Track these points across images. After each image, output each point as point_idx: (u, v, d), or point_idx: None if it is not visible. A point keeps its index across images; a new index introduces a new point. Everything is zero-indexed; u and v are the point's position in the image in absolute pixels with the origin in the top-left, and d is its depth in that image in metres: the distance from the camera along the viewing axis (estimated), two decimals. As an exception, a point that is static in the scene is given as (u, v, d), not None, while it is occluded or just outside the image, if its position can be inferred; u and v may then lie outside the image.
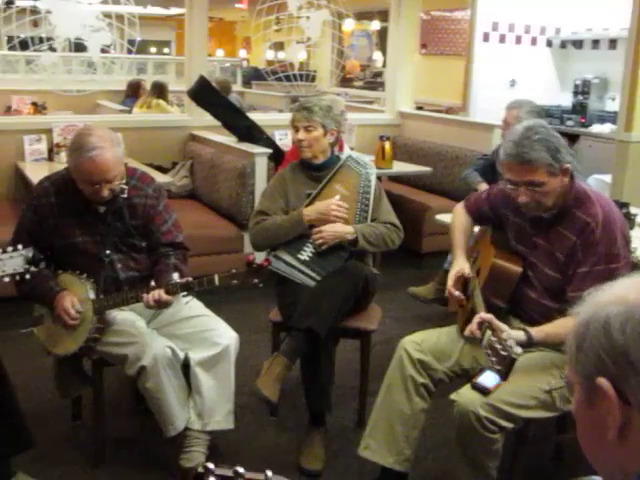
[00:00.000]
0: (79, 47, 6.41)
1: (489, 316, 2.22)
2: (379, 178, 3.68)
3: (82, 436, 3.01)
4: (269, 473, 0.93)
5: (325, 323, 2.83)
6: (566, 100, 7.68)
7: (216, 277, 2.56)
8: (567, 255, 2.35)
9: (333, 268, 3.05)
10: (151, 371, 2.58)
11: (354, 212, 3.15)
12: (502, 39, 7.69)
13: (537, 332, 2.21)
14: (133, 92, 8.40)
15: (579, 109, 7.39)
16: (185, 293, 2.63)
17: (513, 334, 2.13)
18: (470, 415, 2.20)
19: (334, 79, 10.58)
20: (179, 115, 6.80)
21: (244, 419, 3.08)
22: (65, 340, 2.71)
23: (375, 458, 2.56)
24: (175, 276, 2.60)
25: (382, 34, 10.52)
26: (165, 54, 16.79)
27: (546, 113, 4.51)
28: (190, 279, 2.60)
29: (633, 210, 3.44)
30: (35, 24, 6.16)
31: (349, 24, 9.33)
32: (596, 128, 6.95)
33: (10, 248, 2.38)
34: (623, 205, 3.30)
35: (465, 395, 2.26)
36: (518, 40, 7.77)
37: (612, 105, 7.11)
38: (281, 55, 9.57)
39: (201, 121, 5.68)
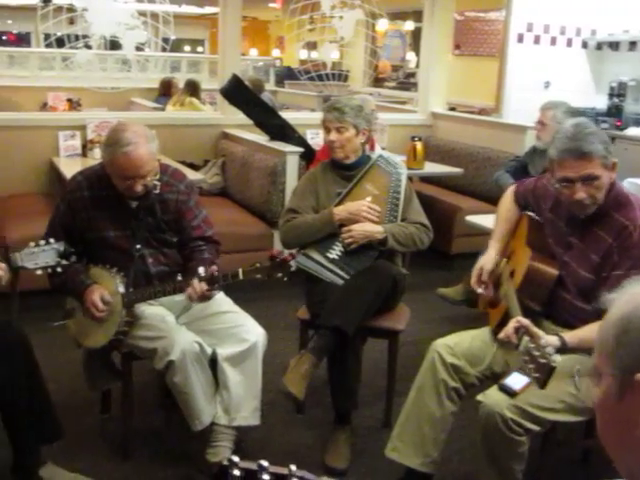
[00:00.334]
0: (114, 45, 6.48)
1: (526, 322, 2.19)
2: (410, 178, 3.67)
3: (110, 429, 3.05)
4: (293, 467, 0.94)
5: (353, 322, 2.83)
6: (601, 103, 7.58)
7: (240, 271, 2.58)
8: (602, 257, 2.33)
9: (362, 267, 3.05)
10: (179, 366, 2.60)
11: (384, 212, 3.14)
12: (537, 40, 7.60)
13: (571, 337, 2.19)
14: (165, 90, 8.50)
15: (614, 112, 7.29)
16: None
17: (548, 340, 2.11)
18: (496, 416, 2.18)
19: (367, 79, 10.57)
20: (212, 113, 6.85)
21: (270, 416, 3.09)
22: (95, 333, 2.74)
23: (402, 460, 2.55)
24: (201, 270, 2.62)
25: (416, 34, 10.49)
26: (199, 53, 16.90)
27: (580, 115, 4.45)
28: (215, 273, 2.62)
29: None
30: (71, 22, 6.24)
31: (383, 24, 9.31)
32: (632, 131, 6.85)
33: (43, 242, 2.42)
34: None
35: (491, 396, 2.25)
36: (553, 41, 7.69)
37: (648, 108, 7.03)
38: (314, 55, 9.58)
39: (233, 119, 5.71)
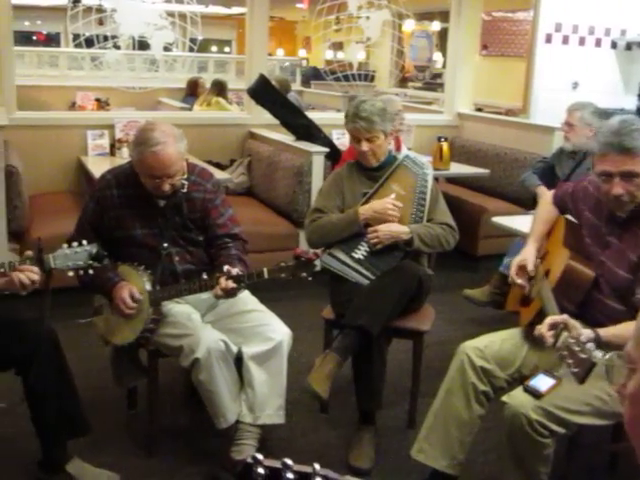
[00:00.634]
0: (142, 45, 6.54)
1: (564, 316, 2.18)
2: (436, 179, 3.66)
3: (136, 425, 3.08)
4: (317, 466, 0.94)
5: (378, 322, 2.83)
6: (630, 103, 7.49)
7: (265, 270, 2.59)
8: None
9: (387, 268, 3.04)
10: (204, 364, 2.61)
11: (410, 212, 3.14)
12: (565, 40, 7.53)
13: (605, 332, 2.17)
14: (192, 90, 8.55)
15: (644, 113, 7.22)
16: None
17: (585, 333, 2.09)
18: (521, 418, 2.17)
19: (393, 79, 10.55)
20: (238, 113, 6.87)
21: (295, 415, 3.10)
22: (123, 330, 2.77)
23: (428, 461, 2.54)
24: (226, 268, 2.64)
25: (442, 35, 10.45)
26: (226, 53, 16.98)
27: (609, 116, 4.42)
28: (240, 272, 2.63)
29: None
30: (100, 22, 6.29)
31: (409, 24, 9.28)
32: (661, 132, 6.76)
33: (75, 243, 2.44)
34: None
35: (517, 397, 2.23)
36: (582, 41, 7.61)
37: (679, 109, 6.94)
38: (340, 55, 9.58)
39: (260, 119, 5.73)
